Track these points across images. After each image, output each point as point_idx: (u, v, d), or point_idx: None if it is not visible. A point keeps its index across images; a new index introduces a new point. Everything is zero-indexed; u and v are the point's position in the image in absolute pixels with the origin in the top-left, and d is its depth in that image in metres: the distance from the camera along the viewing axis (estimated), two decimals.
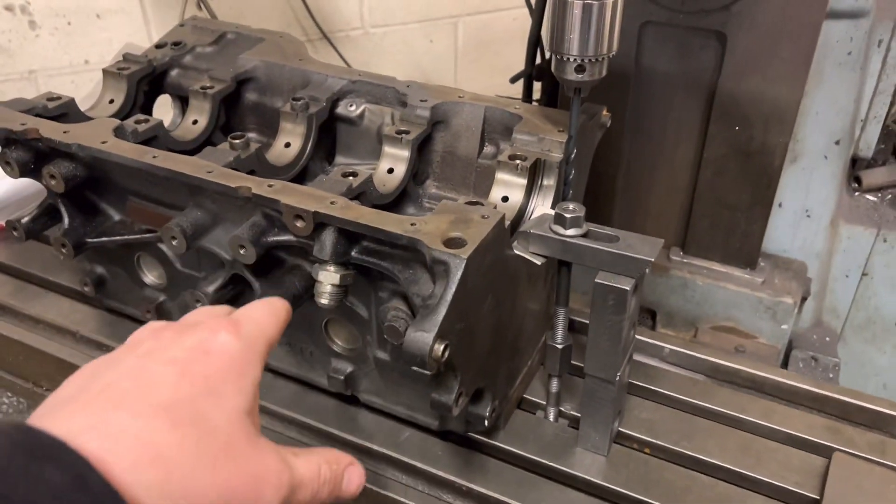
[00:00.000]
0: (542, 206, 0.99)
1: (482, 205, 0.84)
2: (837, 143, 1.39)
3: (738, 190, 1.33)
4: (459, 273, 0.75)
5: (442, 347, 0.73)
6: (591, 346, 0.88)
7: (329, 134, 1.17)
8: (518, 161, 0.97)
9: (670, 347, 1.13)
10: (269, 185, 0.85)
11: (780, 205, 1.44)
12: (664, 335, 1.24)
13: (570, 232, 0.86)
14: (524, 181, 0.98)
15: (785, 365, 1.45)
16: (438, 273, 0.76)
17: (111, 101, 1.15)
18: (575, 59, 0.87)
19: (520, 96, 1.52)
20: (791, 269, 1.44)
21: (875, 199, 1.54)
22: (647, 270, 0.83)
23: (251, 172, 0.95)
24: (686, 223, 1.41)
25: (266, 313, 0.67)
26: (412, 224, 0.79)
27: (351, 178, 0.92)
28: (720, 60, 1.23)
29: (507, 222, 0.84)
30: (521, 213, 0.98)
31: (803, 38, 1.17)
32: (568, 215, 0.86)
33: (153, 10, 2.32)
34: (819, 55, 1.24)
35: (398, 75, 1.17)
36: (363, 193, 0.95)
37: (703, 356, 1.12)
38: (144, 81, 1.19)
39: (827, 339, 1.55)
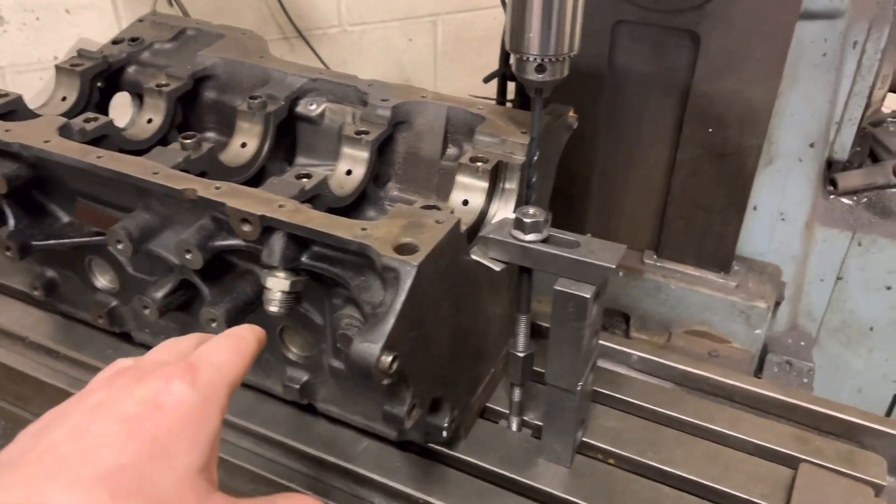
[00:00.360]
0: (504, 210, 0.97)
1: (439, 209, 0.81)
2: (812, 145, 1.37)
3: (713, 191, 1.30)
4: (410, 281, 0.71)
5: (390, 359, 0.70)
6: (551, 355, 0.86)
7: (289, 134, 1.13)
8: (479, 163, 0.94)
9: (639, 354, 1.11)
10: (217, 188, 0.81)
11: (754, 207, 1.42)
12: (632, 342, 1.21)
13: (530, 237, 0.83)
14: (485, 184, 0.95)
15: (760, 369, 1.43)
16: (389, 280, 0.73)
17: (63, 99, 1.11)
18: (535, 59, 0.84)
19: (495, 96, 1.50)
20: (765, 272, 1.42)
21: (850, 202, 1.52)
22: (610, 277, 0.80)
23: (203, 174, 0.92)
24: (660, 225, 1.39)
25: (230, 352, 0.62)
26: (363, 229, 0.76)
27: (304, 179, 0.89)
28: (694, 61, 1.20)
29: (466, 227, 0.81)
30: (481, 218, 0.96)
31: (777, 39, 1.15)
32: (528, 220, 0.83)
33: (124, 6, 2.28)
34: (793, 56, 1.22)
35: (377, 74, 1.14)
36: (318, 196, 0.92)
37: (672, 363, 1.09)
38: (99, 78, 1.15)
39: (802, 343, 1.53)
